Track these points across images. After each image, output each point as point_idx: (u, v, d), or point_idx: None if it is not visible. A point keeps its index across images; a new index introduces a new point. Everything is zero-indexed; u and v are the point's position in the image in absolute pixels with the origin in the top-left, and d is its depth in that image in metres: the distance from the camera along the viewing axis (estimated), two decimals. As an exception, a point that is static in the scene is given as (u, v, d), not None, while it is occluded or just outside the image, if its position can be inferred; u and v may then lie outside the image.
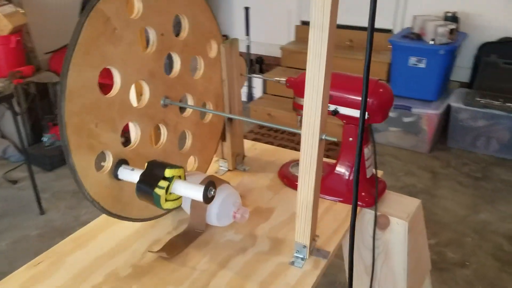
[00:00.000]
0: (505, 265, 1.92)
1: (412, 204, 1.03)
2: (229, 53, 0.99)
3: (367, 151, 1.00)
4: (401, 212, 0.99)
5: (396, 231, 0.98)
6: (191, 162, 0.99)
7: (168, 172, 0.70)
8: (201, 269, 0.79)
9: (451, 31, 2.86)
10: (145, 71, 0.79)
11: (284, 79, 1.04)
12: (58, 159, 2.68)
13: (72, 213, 2.15)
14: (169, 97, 0.85)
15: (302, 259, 0.81)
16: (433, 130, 2.97)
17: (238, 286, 0.75)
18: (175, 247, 0.84)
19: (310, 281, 0.77)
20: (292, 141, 2.91)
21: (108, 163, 0.76)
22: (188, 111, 0.93)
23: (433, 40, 2.88)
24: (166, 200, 0.70)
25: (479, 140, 2.98)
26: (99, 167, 0.74)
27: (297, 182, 1.07)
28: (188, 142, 0.96)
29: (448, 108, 2.99)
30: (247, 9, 3.67)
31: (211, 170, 1.09)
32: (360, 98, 0.92)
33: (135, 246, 0.85)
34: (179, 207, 0.89)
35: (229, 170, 1.12)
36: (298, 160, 1.15)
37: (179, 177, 0.72)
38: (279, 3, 3.82)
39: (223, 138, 1.07)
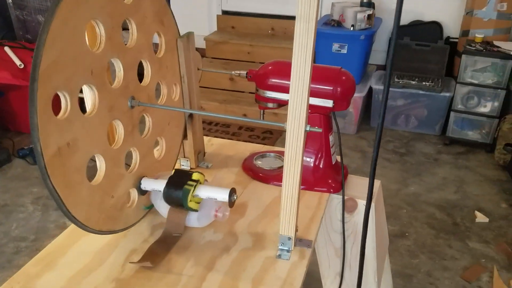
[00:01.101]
0: (440, 232, 2.09)
1: (374, 185, 1.07)
2: (187, 48, 0.96)
3: (331, 138, 1.02)
4: (366, 194, 1.03)
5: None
6: (176, 92, 0.97)
7: (195, 176, 0.79)
8: (188, 274, 0.77)
9: (369, 17, 3.01)
10: (107, 114, 0.73)
11: (244, 72, 1.02)
12: (-26, 172, 2.43)
13: (1, 229, 1.97)
14: (133, 95, 0.79)
15: (288, 251, 0.81)
16: (359, 112, 3.11)
17: (231, 287, 0.74)
18: (156, 255, 0.80)
19: (300, 272, 0.77)
20: (227, 133, 2.90)
21: (134, 196, 0.82)
22: (147, 80, 0.85)
23: (353, 26, 3.01)
24: (190, 200, 0.78)
25: (399, 118, 3.19)
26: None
27: (262, 174, 1.08)
28: (164, 90, 0.91)
29: (370, 90, 3.15)
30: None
31: (173, 170, 1.05)
32: (323, 87, 0.94)
33: (111, 259, 0.80)
34: (154, 213, 0.90)
35: (191, 168, 1.08)
36: (261, 153, 1.16)
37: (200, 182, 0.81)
38: (199, -7, 3.76)
39: (184, 136, 1.03)
